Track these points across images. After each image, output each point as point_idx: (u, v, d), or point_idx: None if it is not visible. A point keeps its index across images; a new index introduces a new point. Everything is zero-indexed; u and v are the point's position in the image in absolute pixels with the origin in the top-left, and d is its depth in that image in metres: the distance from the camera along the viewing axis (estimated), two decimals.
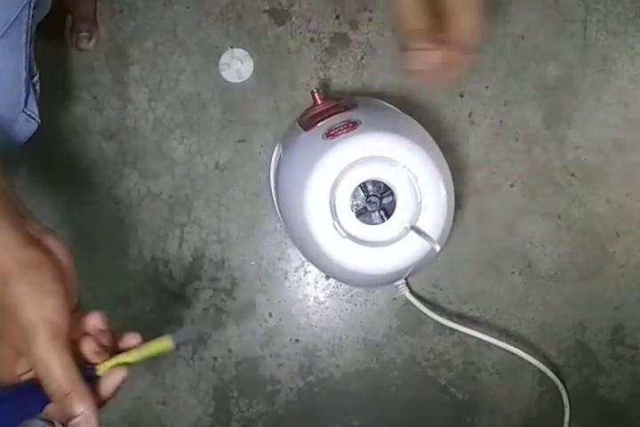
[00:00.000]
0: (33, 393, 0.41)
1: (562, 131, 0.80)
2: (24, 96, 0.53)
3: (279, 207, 0.70)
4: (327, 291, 0.80)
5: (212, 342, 0.79)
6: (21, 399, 0.41)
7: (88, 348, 0.43)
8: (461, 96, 0.80)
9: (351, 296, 0.80)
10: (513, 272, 0.80)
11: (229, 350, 0.79)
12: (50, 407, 0.41)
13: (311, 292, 0.80)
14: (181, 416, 0.79)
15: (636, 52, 0.80)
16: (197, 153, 0.79)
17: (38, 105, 0.55)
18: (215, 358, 0.79)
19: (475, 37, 0.51)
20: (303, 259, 0.78)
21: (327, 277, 0.79)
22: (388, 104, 0.72)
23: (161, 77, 0.79)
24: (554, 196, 0.80)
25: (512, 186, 0.80)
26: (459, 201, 0.77)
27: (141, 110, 0.79)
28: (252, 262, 0.79)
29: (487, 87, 0.80)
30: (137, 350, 0.45)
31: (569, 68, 0.80)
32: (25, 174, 0.78)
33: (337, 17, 0.80)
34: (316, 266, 0.72)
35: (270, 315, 0.79)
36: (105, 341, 0.44)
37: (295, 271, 0.79)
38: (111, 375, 0.43)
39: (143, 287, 0.79)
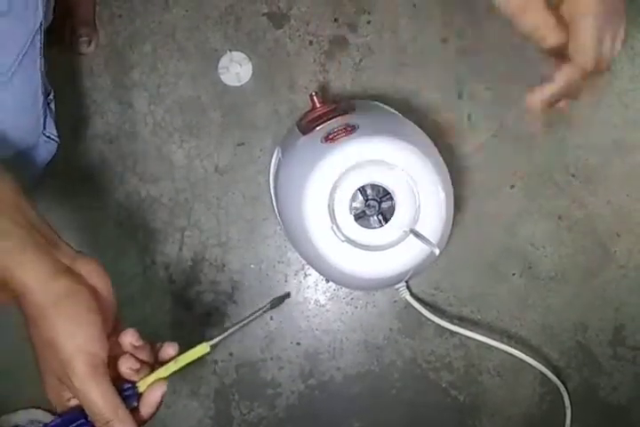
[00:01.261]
0: (79, 421, 0.42)
1: (562, 132, 0.80)
2: (42, 119, 0.53)
3: (279, 211, 0.70)
4: (327, 294, 0.80)
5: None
6: (69, 425, 0.42)
7: (127, 366, 0.43)
8: (460, 98, 0.80)
9: (351, 299, 0.80)
10: (513, 274, 0.80)
11: (230, 354, 0.79)
12: None
13: (311, 295, 0.80)
14: (182, 420, 0.79)
15: (636, 52, 0.80)
16: (197, 156, 0.79)
17: (56, 124, 0.55)
18: (216, 362, 0.79)
19: (595, 55, 0.44)
20: (303, 262, 0.78)
21: (327, 280, 0.79)
22: (386, 107, 0.72)
23: (160, 81, 0.79)
24: (554, 197, 0.80)
25: (512, 187, 0.80)
26: (458, 203, 0.77)
27: (141, 114, 0.79)
28: (252, 266, 0.79)
29: (486, 88, 0.80)
30: (174, 362, 0.45)
31: None
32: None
33: (335, 20, 0.80)
34: (316, 269, 0.72)
35: (271, 318, 0.79)
36: (143, 356, 0.44)
37: (295, 274, 0.79)
38: (151, 393, 0.44)
39: (144, 291, 0.79)
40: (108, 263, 0.79)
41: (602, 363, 0.80)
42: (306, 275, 0.79)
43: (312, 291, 0.80)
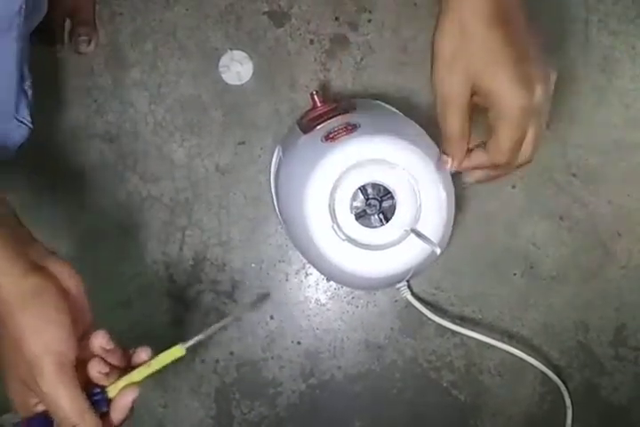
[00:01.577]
0: (45, 424, 0.41)
1: (563, 131, 0.80)
2: (15, 102, 0.52)
3: (279, 210, 0.70)
4: (328, 293, 0.80)
5: (213, 345, 0.79)
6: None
7: (95, 370, 0.42)
8: None
9: (352, 298, 0.80)
10: (515, 274, 0.80)
11: (231, 353, 0.79)
12: None
13: (312, 294, 0.80)
14: (183, 419, 0.79)
15: (637, 52, 0.80)
16: (198, 156, 0.79)
17: (31, 110, 0.55)
18: (217, 361, 0.79)
19: (508, 159, 0.48)
20: (304, 261, 0.78)
21: (328, 280, 0.79)
22: (387, 106, 0.72)
23: (161, 80, 0.79)
24: (555, 197, 0.80)
25: (513, 187, 0.80)
26: (459, 203, 0.77)
27: (141, 113, 0.79)
28: (253, 265, 0.79)
29: None
30: (147, 365, 0.44)
31: (570, 69, 0.80)
32: (25, 179, 0.78)
33: (336, 18, 0.79)
34: (317, 269, 0.72)
35: (272, 317, 0.79)
36: (114, 360, 0.43)
37: (296, 274, 0.79)
38: (122, 397, 0.43)
39: (144, 290, 0.79)
40: (108, 263, 0.80)
41: (603, 363, 0.80)
42: (307, 274, 0.79)
43: (313, 290, 0.79)
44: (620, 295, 0.80)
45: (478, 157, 0.51)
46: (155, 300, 0.79)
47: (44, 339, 0.40)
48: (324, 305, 0.80)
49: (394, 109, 0.71)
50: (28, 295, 0.40)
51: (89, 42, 0.77)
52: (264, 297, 0.49)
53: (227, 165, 0.79)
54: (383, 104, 0.72)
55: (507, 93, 0.44)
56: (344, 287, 0.79)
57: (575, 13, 0.80)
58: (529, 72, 0.44)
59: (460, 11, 0.44)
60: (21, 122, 0.54)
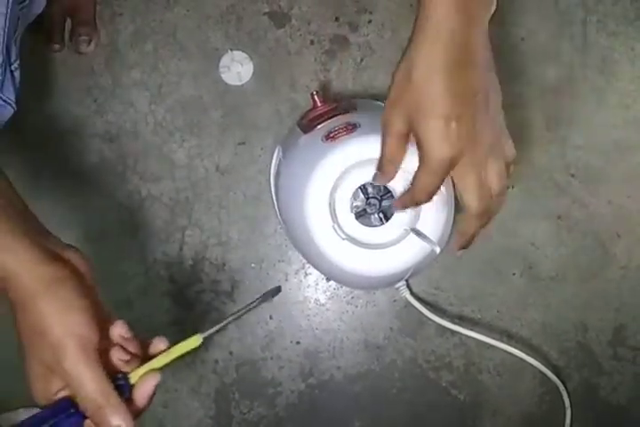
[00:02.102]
0: (68, 411, 0.41)
1: (562, 132, 0.80)
2: (0, 80, 0.52)
3: (279, 210, 0.70)
4: (328, 293, 0.80)
5: (212, 345, 0.79)
6: (57, 418, 0.41)
7: (117, 357, 0.43)
8: None
9: (352, 298, 0.80)
10: (514, 274, 0.80)
11: (230, 353, 0.79)
12: (87, 423, 0.41)
13: (312, 294, 0.80)
14: (183, 419, 0.79)
15: (637, 53, 0.80)
16: (198, 156, 0.79)
17: (17, 93, 0.54)
18: (216, 361, 0.79)
19: (426, 200, 0.51)
20: (304, 261, 0.78)
21: (328, 280, 0.79)
22: None
23: (161, 80, 0.79)
24: (555, 197, 0.80)
25: (512, 187, 0.80)
26: (459, 202, 0.77)
27: (142, 113, 0.79)
28: (253, 265, 0.79)
29: None
30: (166, 353, 0.44)
31: (569, 70, 0.80)
32: (26, 178, 0.78)
33: (336, 19, 0.80)
34: (317, 268, 0.72)
35: (271, 317, 0.79)
36: (132, 348, 0.44)
37: (296, 273, 0.79)
38: (144, 383, 0.43)
39: (144, 290, 0.79)
40: (108, 263, 0.80)
41: (602, 363, 0.80)
42: (306, 274, 0.79)
43: (312, 290, 0.80)
44: (619, 296, 0.80)
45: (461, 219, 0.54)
46: (155, 299, 0.79)
47: (67, 322, 0.40)
48: (323, 305, 0.80)
49: None
50: (49, 281, 0.41)
51: (89, 42, 0.78)
52: (276, 291, 0.50)
53: (227, 165, 0.79)
54: (383, 104, 0.72)
55: (427, 145, 0.47)
56: (343, 287, 0.79)
57: (574, 14, 0.80)
58: (456, 129, 0.46)
59: (413, 58, 0.47)
60: (5, 101, 0.54)
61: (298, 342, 0.80)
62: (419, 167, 0.49)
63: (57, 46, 0.77)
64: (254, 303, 0.48)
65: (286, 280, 0.79)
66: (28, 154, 0.78)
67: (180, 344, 0.45)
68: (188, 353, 0.45)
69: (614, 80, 0.80)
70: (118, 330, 0.44)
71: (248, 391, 0.80)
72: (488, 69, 0.48)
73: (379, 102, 0.73)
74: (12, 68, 0.54)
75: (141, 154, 0.79)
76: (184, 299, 0.79)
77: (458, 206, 0.64)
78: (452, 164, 0.47)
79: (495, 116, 0.50)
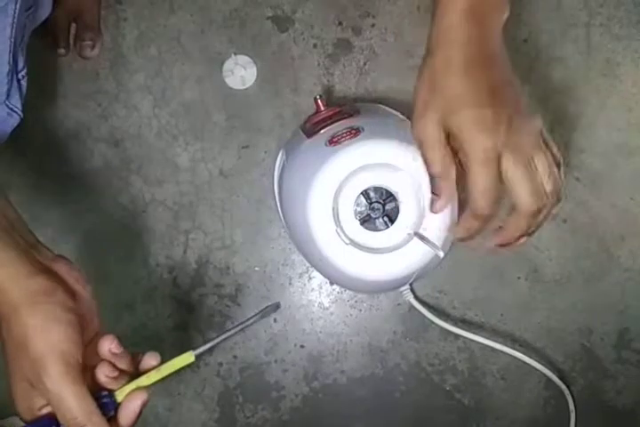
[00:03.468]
0: (51, 426, 0.40)
1: (566, 135, 0.80)
2: (6, 88, 0.52)
3: (283, 214, 0.70)
4: (331, 297, 0.80)
5: (216, 348, 0.79)
6: None
7: (103, 374, 0.42)
8: None
9: (355, 302, 0.80)
10: (518, 277, 0.80)
11: (234, 356, 0.79)
12: None
13: (315, 297, 0.80)
14: (187, 422, 0.79)
15: None
16: (201, 160, 0.79)
17: (23, 101, 0.55)
18: (220, 364, 0.79)
19: (487, 204, 0.48)
20: (307, 265, 0.78)
21: (331, 283, 0.79)
22: (391, 110, 0.72)
23: (165, 85, 0.80)
24: None
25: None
26: (463, 206, 0.77)
27: (146, 118, 0.79)
28: (257, 268, 0.79)
29: None
30: (156, 370, 0.43)
31: (572, 73, 0.80)
32: (30, 183, 0.78)
33: (340, 23, 0.80)
34: (320, 272, 0.72)
35: (275, 321, 0.79)
36: (122, 364, 0.43)
37: (299, 277, 0.79)
38: (130, 401, 0.42)
39: (148, 294, 0.79)
40: (112, 266, 0.80)
41: (606, 366, 0.80)
42: (310, 278, 0.79)
43: (316, 294, 0.80)
44: (623, 299, 0.80)
45: (465, 215, 0.52)
46: (158, 303, 0.79)
47: (50, 338, 0.39)
48: (327, 309, 0.80)
49: (397, 113, 0.71)
50: (34, 294, 0.40)
51: (93, 46, 0.78)
52: (275, 307, 0.49)
53: (230, 169, 0.79)
54: (386, 108, 0.72)
55: (468, 137, 0.46)
56: (347, 291, 0.79)
57: (577, 17, 0.80)
58: (494, 116, 0.46)
59: (434, 60, 0.48)
60: (12, 109, 0.54)
61: (302, 346, 0.80)
62: (470, 169, 0.47)
63: (62, 51, 0.78)
64: (251, 320, 0.46)
65: (290, 284, 0.79)
66: (31, 158, 0.78)
67: (171, 361, 0.44)
68: (179, 370, 0.44)
69: (618, 83, 0.80)
70: (107, 345, 0.42)
71: (252, 395, 0.80)
72: (508, 70, 0.49)
73: (382, 106, 0.73)
74: (19, 76, 0.54)
75: (145, 158, 0.79)
76: (187, 302, 0.79)
77: (461, 210, 0.64)
78: (497, 153, 0.46)
79: (526, 113, 0.49)
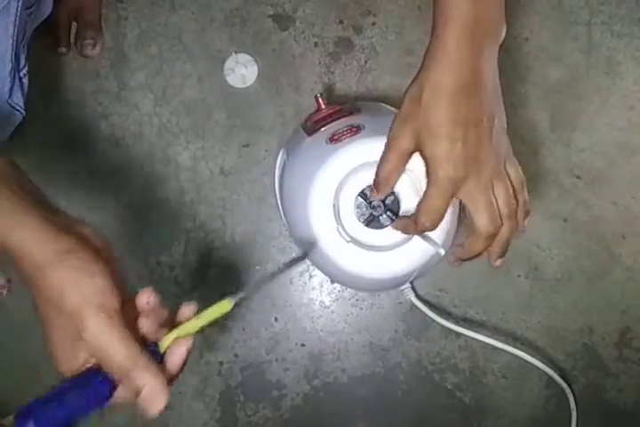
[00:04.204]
0: (97, 379, 0.39)
1: (567, 133, 0.80)
2: (9, 86, 0.52)
3: (284, 212, 0.70)
4: (332, 295, 0.80)
5: (217, 347, 0.79)
6: (87, 388, 0.39)
7: (145, 326, 0.42)
8: None
9: (356, 300, 0.80)
10: (519, 275, 0.80)
11: (235, 355, 0.79)
12: (119, 391, 0.40)
13: (316, 296, 0.80)
14: (188, 421, 0.79)
15: None
16: (202, 158, 0.79)
17: (25, 99, 0.55)
18: (221, 363, 0.79)
19: (430, 224, 0.52)
20: (308, 263, 0.78)
21: (332, 282, 0.79)
22: (392, 108, 0.72)
23: (166, 83, 0.80)
24: (559, 199, 0.80)
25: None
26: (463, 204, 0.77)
27: (146, 116, 0.79)
28: (258, 267, 0.79)
29: None
30: (195, 319, 0.43)
31: (574, 71, 0.80)
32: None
33: (340, 22, 0.80)
34: (321, 270, 0.72)
35: (276, 319, 0.79)
36: (160, 317, 0.43)
37: (300, 276, 0.79)
38: (176, 348, 0.42)
39: None
40: None
41: (608, 365, 0.80)
42: (311, 276, 0.79)
43: (317, 292, 0.80)
44: (624, 297, 0.80)
45: (403, 221, 0.56)
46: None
47: (83, 291, 0.38)
48: (328, 307, 0.80)
49: (398, 111, 0.71)
50: (61, 253, 0.39)
51: (94, 45, 0.78)
52: (302, 258, 0.51)
53: (231, 168, 0.79)
54: (387, 106, 0.72)
55: (433, 164, 0.49)
56: (348, 289, 0.79)
57: (578, 15, 0.80)
58: (460, 150, 0.49)
59: (423, 81, 0.49)
60: (14, 108, 0.54)
61: (303, 345, 0.80)
62: (426, 188, 0.51)
63: (63, 50, 0.78)
64: (281, 269, 0.49)
65: (291, 282, 0.79)
66: (32, 157, 0.78)
67: (209, 309, 0.44)
68: (217, 320, 0.44)
69: (619, 81, 0.80)
70: (145, 298, 0.42)
71: (253, 394, 0.80)
72: (495, 97, 0.50)
73: (383, 104, 0.73)
74: (21, 74, 0.54)
75: (146, 156, 0.79)
76: (188, 301, 0.79)
77: (462, 208, 0.64)
78: (457, 184, 0.50)
79: (499, 142, 0.52)
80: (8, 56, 0.51)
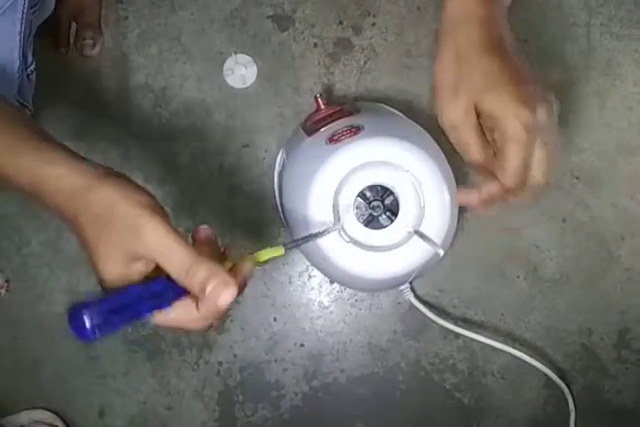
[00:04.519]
0: (162, 285, 0.40)
1: (566, 134, 0.80)
2: (17, 83, 0.53)
3: (283, 212, 0.70)
4: (331, 295, 0.80)
5: (216, 347, 0.79)
6: (151, 290, 0.40)
7: (206, 250, 0.43)
8: None
9: (355, 301, 0.80)
10: (518, 276, 0.80)
11: (234, 355, 0.79)
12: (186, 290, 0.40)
13: (315, 296, 0.80)
14: (187, 421, 0.79)
15: None
16: (202, 158, 0.79)
17: (32, 95, 0.55)
18: (220, 363, 0.79)
19: (519, 180, 0.48)
20: (307, 263, 0.78)
21: (331, 282, 0.79)
22: (391, 109, 0.72)
23: (166, 83, 0.80)
24: (559, 199, 0.80)
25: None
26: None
27: (146, 116, 0.79)
28: (257, 267, 0.79)
29: None
30: (251, 255, 0.46)
31: (573, 72, 0.80)
32: None
33: (340, 22, 0.80)
34: (321, 271, 0.72)
35: (275, 319, 0.79)
36: (216, 251, 0.44)
37: (299, 276, 0.79)
38: (240, 266, 0.44)
39: None
40: None
41: (607, 366, 0.80)
42: (310, 276, 0.79)
43: (316, 292, 0.80)
44: (623, 298, 0.80)
45: (488, 187, 0.51)
46: None
47: (133, 202, 0.39)
48: (327, 308, 0.80)
49: (397, 112, 0.71)
50: (102, 176, 0.40)
51: (94, 45, 0.78)
52: (334, 227, 0.57)
53: (230, 168, 0.79)
54: (387, 107, 0.72)
55: (509, 113, 0.46)
56: (347, 290, 0.79)
57: (577, 17, 0.80)
58: (528, 92, 0.47)
59: (455, 41, 0.48)
60: (22, 104, 0.54)
61: (302, 345, 0.80)
62: (504, 146, 0.47)
63: (63, 50, 0.78)
64: (317, 235, 0.54)
65: (290, 283, 0.79)
66: None
67: (264, 250, 0.47)
68: (271, 259, 0.48)
69: (618, 82, 0.80)
70: (204, 233, 0.44)
71: (252, 394, 0.80)
72: (517, 51, 0.50)
73: (382, 105, 0.73)
74: (29, 71, 0.54)
75: (146, 157, 0.79)
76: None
77: (461, 208, 0.64)
78: (535, 130, 0.46)
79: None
80: (16, 53, 0.52)
